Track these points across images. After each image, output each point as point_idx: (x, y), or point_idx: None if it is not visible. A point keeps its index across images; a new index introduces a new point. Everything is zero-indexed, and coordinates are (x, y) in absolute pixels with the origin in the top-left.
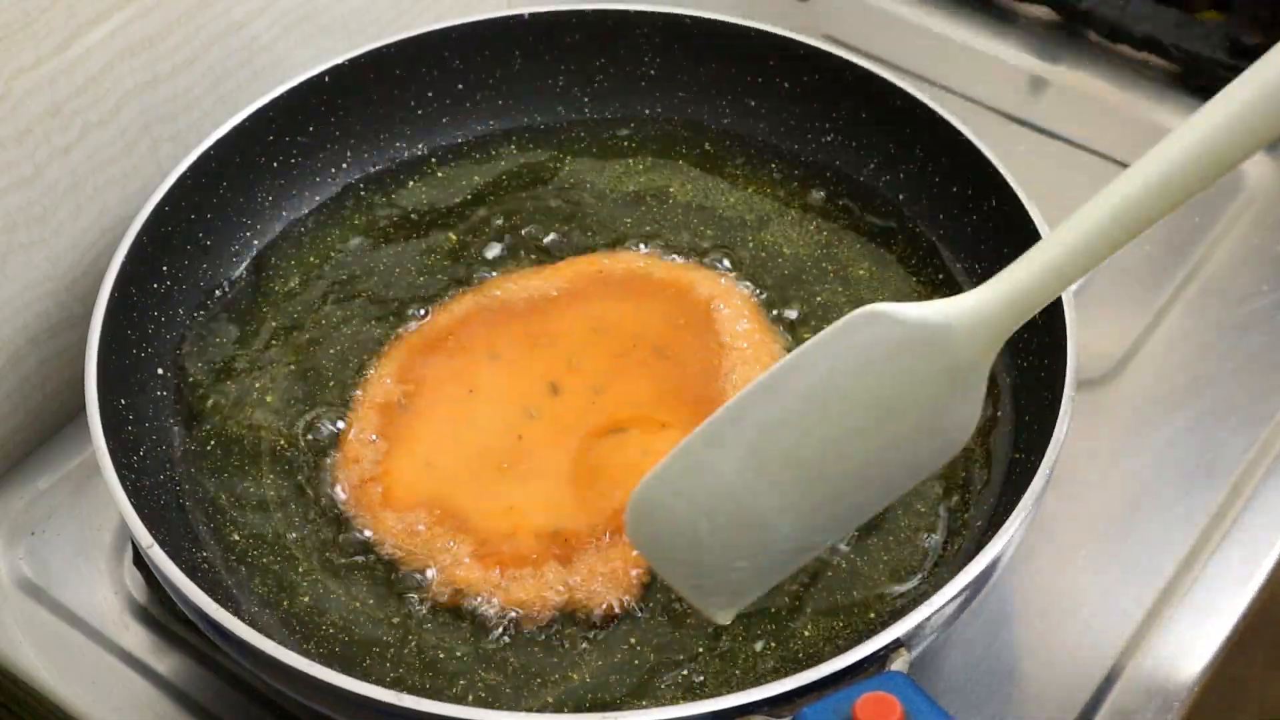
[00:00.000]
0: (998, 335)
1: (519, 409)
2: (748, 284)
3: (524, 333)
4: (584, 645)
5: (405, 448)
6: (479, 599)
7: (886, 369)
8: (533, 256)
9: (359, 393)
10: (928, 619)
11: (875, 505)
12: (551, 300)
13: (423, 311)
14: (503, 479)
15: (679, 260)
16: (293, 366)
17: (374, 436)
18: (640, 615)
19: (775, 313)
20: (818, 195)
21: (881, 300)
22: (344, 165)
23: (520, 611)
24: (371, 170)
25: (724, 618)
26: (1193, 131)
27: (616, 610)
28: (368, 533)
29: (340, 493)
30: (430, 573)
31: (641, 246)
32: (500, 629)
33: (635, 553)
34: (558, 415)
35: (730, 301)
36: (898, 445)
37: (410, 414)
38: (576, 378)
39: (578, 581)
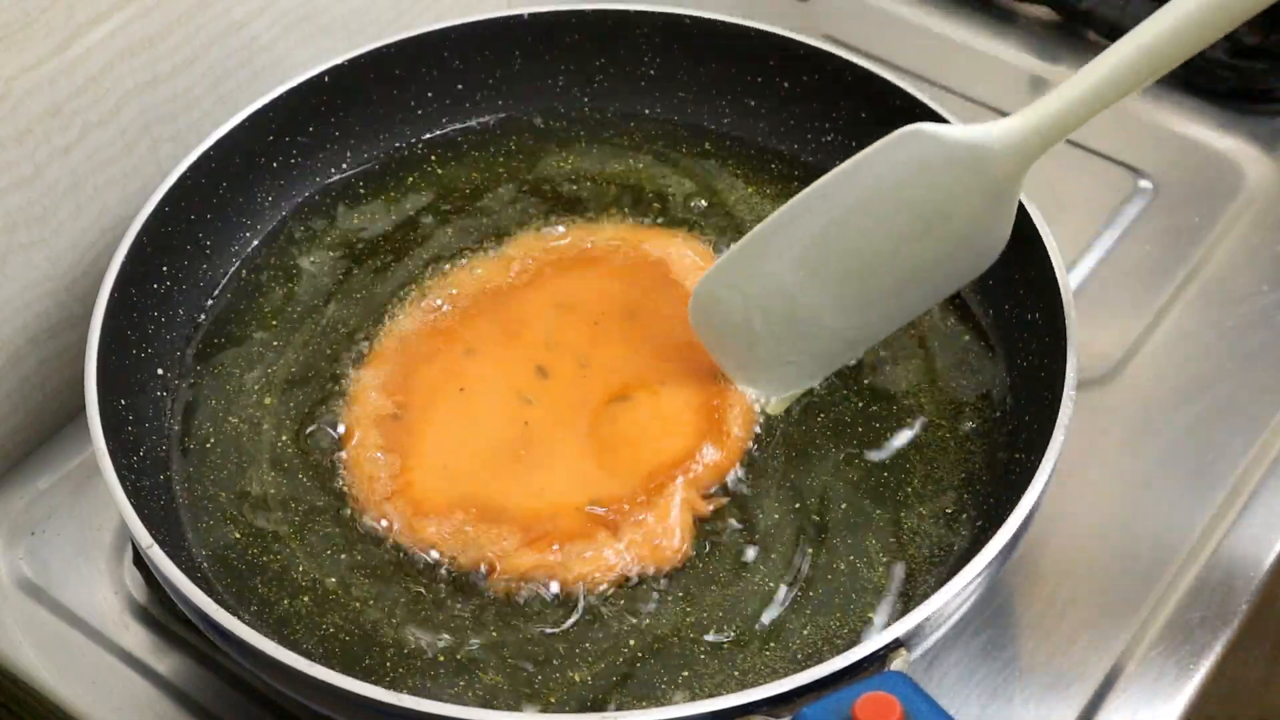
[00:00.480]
0: (1029, 156)
1: (514, 397)
2: (708, 238)
3: (494, 323)
4: (654, 602)
5: (417, 457)
6: (538, 585)
7: (929, 182)
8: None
9: (355, 407)
10: (928, 619)
11: (915, 309)
12: (509, 287)
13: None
14: (524, 466)
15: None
16: (292, 367)
17: (380, 454)
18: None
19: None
20: None
21: None
22: (344, 165)
23: (586, 586)
24: (372, 171)
25: (775, 408)
26: None
27: (679, 561)
28: (422, 553)
29: (372, 520)
30: (482, 568)
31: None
32: (571, 608)
33: (676, 508)
34: (554, 396)
35: (685, 252)
36: (936, 254)
37: (409, 423)
38: (560, 357)
39: (633, 543)
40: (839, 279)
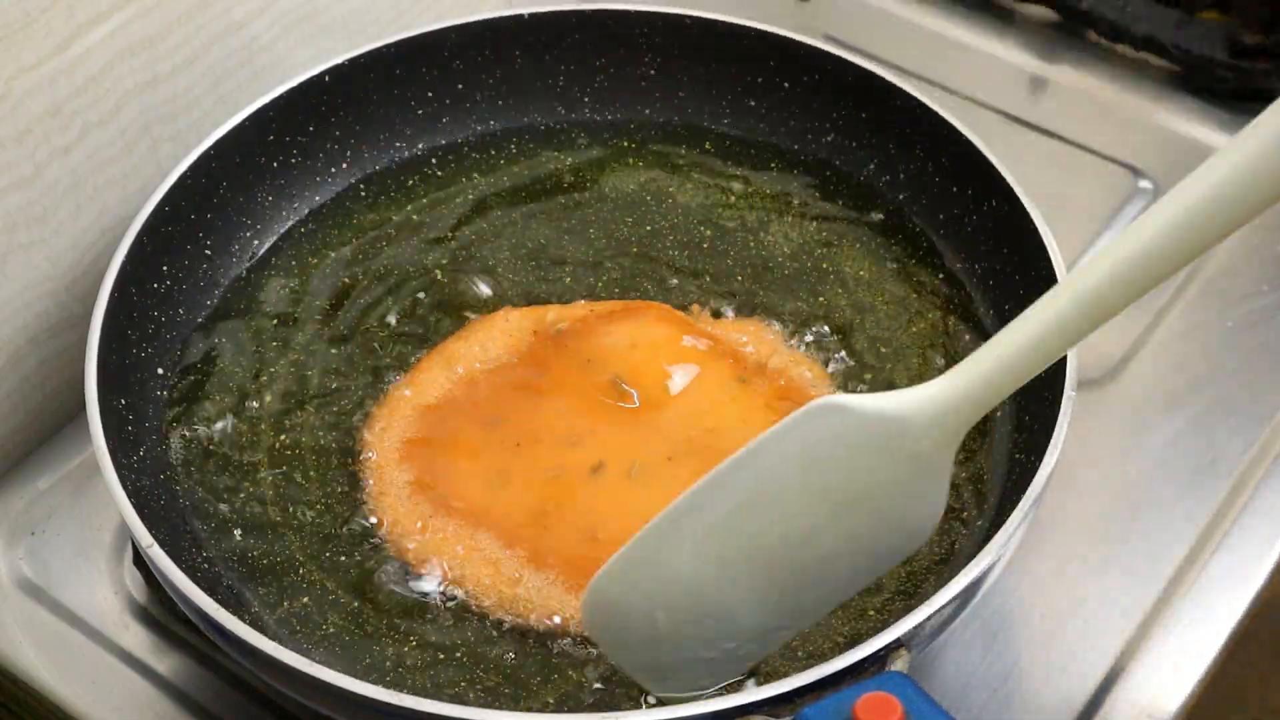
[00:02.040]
0: (957, 428)
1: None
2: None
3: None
4: None
5: (440, 470)
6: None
7: (842, 461)
8: (531, 263)
9: (358, 407)
10: (928, 619)
11: (839, 596)
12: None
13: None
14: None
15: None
16: (293, 368)
17: (409, 481)
18: None
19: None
20: (818, 196)
21: (881, 301)
22: (344, 165)
23: None
24: (372, 170)
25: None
26: (1153, 222)
27: None
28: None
29: (428, 584)
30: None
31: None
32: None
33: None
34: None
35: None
36: (859, 537)
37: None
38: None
39: None
40: (749, 570)
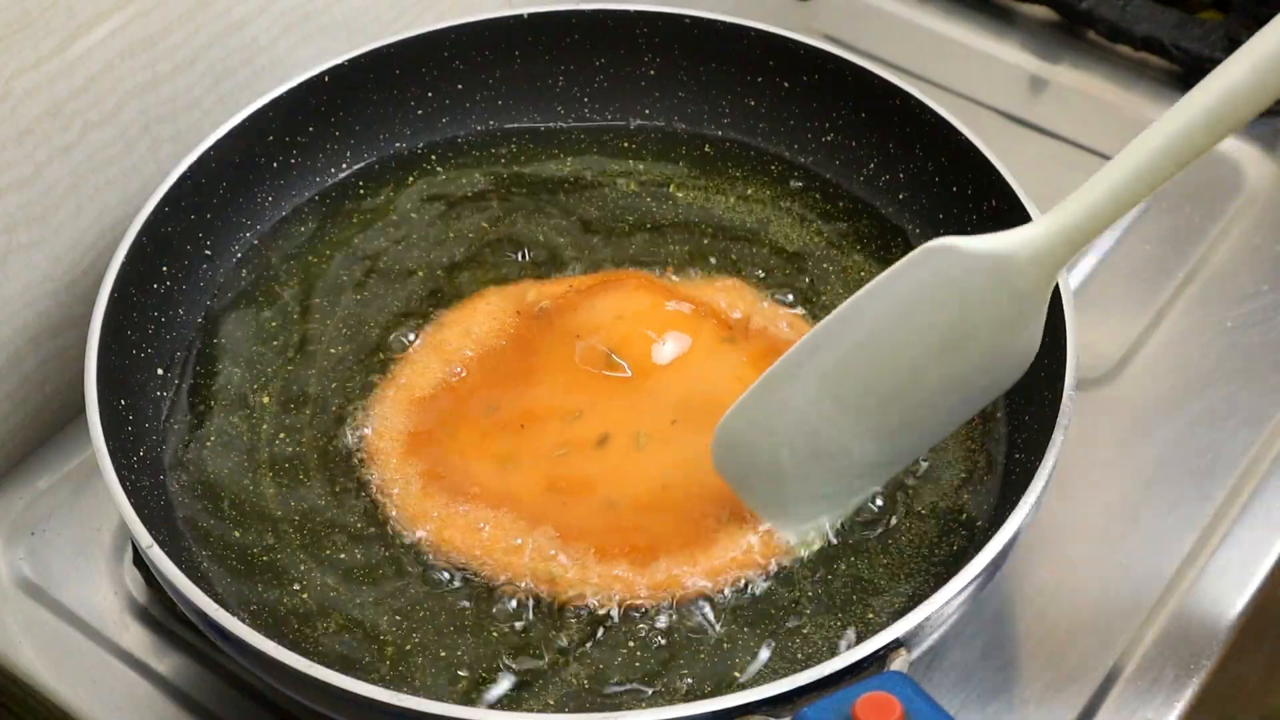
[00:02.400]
0: (1056, 263)
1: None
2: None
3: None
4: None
5: (446, 462)
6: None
7: (954, 299)
8: (531, 263)
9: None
10: (927, 619)
11: (943, 430)
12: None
13: (412, 336)
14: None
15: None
16: (292, 367)
17: (408, 470)
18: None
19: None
20: (817, 196)
21: None
22: (344, 165)
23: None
24: (372, 170)
25: (796, 539)
26: (1241, 62)
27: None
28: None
29: (444, 572)
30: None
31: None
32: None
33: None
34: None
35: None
36: (964, 371)
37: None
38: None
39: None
40: (865, 406)
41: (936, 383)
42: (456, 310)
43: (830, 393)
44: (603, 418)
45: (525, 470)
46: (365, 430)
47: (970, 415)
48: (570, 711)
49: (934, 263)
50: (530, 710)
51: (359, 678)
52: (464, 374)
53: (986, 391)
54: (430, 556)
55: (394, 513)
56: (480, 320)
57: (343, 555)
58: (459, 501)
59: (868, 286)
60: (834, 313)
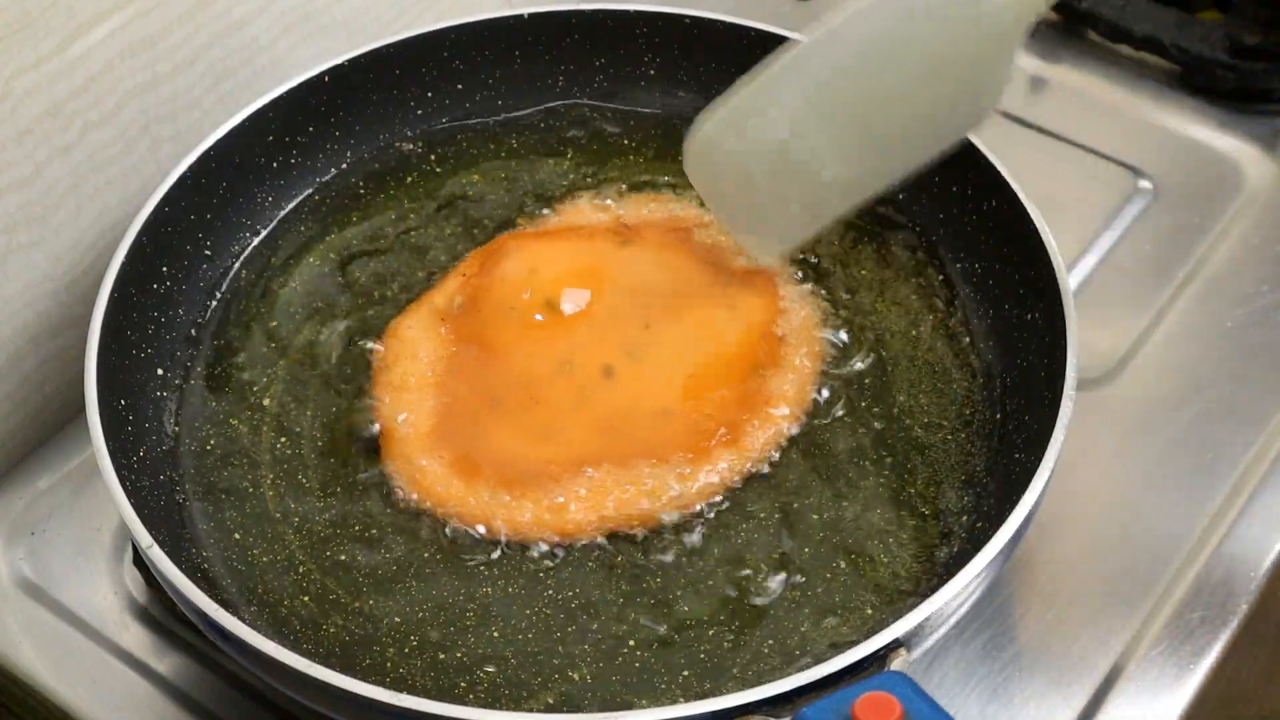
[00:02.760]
0: (1033, 6)
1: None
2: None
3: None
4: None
5: (459, 448)
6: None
7: (936, 21)
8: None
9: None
10: (927, 619)
11: (912, 161)
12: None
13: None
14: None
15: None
16: (294, 369)
17: (427, 460)
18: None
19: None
20: None
21: (881, 301)
22: (344, 165)
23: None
24: (372, 170)
25: (768, 258)
26: None
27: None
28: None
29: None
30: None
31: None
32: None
33: None
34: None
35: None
36: (938, 99)
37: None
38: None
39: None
40: (843, 124)
41: (911, 110)
42: (390, 340)
43: (811, 108)
44: (590, 353)
45: (568, 429)
46: (372, 431)
47: (938, 150)
48: (569, 711)
49: None
50: (531, 710)
51: (359, 678)
52: (449, 390)
53: (955, 127)
54: (512, 535)
55: (440, 510)
56: (419, 341)
57: (343, 556)
58: (522, 488)
59: (847, 11)
60: (815, 34)
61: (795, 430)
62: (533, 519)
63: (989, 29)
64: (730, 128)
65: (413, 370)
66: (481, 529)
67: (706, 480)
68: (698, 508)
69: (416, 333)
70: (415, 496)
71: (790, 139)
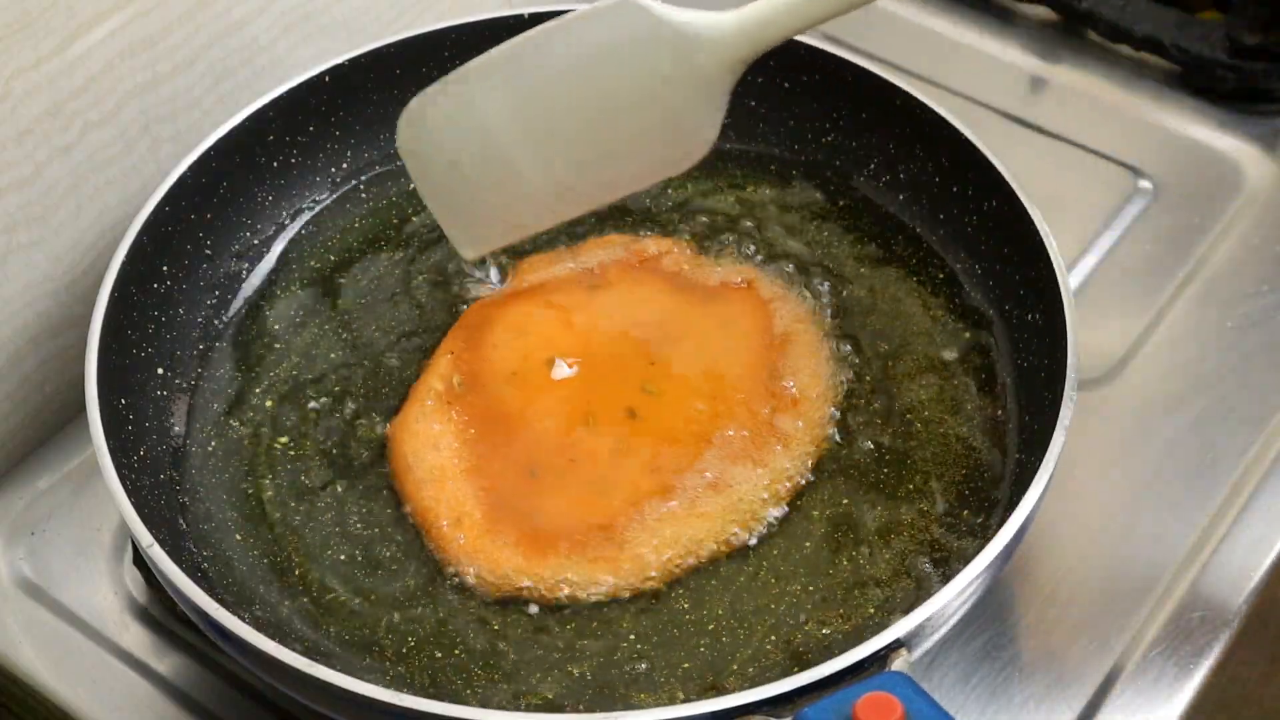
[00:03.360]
0: (738, 55)
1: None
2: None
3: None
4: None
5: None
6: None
7: (637, 57)
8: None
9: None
10: (928, 619)
11: (617, 190)
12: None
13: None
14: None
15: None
16: (293, 369)
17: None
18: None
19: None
20: (817, 195)
21: (880, 301)
22: (344, 165)
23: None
24: (372, 170)
25: (469, 254)
26: None
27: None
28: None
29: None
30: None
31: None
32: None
33: None
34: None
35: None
36: (639, 134)
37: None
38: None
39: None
40: (544, 134)
41: (612, 135)
42: (402, 435)
43: (513, 109)
44: (607, 401)
45: (620, 480)
46: (376, 432)
47: (641, 185)
48: (570, 711)
49: (625, 16)
50: (530, 710)
51: (359, 678)
52: (480, 464)
53: (658, 166)
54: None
55: (521, 595)
56: (435, 438)
57: (343, 556)
58: (579, 546)
59: (560, 20)
60: (526, 34)
61: (801, 427)
62: (608, 571)
63: (693, 69)
64: (444, 105)
65: (437, 463)
66: (565, 593)
67: (765, 493)
68: (765, 516)
69: (426, 425)
70: (494, 583)
71: (494, 131)
